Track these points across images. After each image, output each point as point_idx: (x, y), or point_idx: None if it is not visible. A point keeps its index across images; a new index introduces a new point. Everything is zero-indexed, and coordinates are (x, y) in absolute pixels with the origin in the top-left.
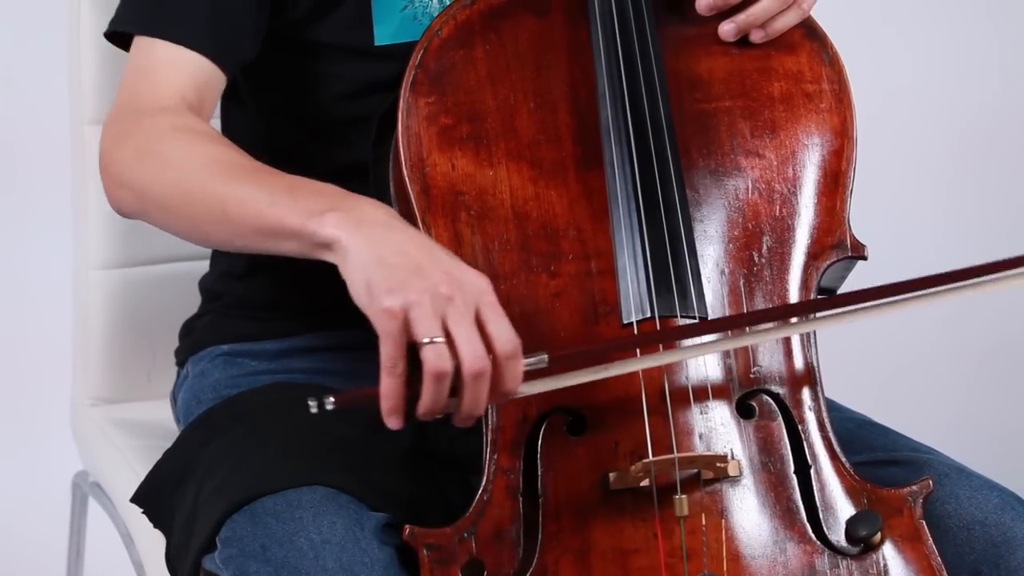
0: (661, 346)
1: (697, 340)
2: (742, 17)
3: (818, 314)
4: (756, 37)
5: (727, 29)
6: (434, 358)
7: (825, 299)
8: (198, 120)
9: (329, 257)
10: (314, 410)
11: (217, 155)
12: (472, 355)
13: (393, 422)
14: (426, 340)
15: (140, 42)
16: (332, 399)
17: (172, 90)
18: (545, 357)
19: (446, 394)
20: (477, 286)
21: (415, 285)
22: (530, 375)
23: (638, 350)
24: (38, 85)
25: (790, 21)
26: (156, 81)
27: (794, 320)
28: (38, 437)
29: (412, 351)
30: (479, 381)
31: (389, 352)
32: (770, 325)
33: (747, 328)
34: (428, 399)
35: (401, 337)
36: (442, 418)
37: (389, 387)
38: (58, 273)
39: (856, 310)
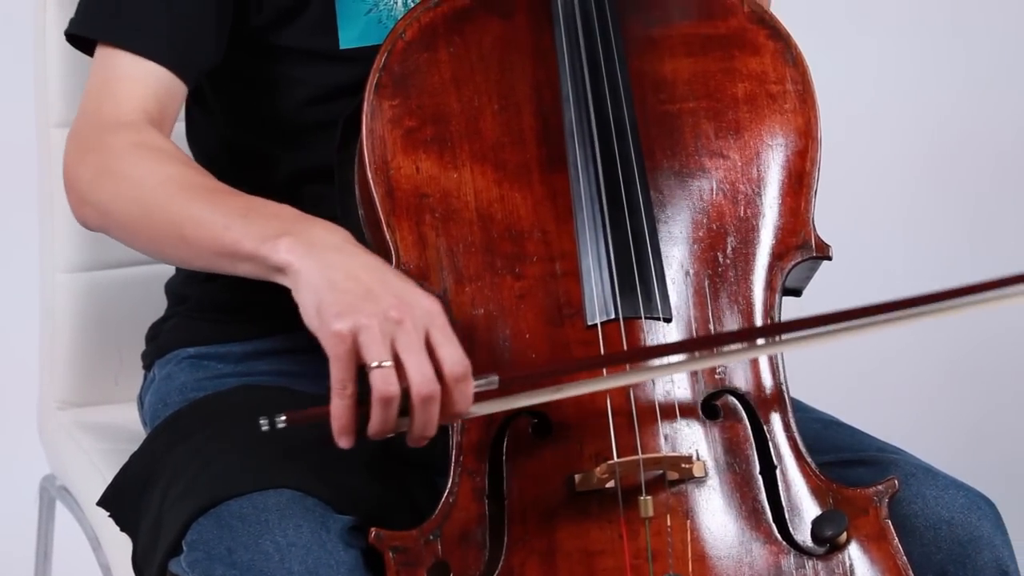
0: (628, 366)
1: (659, 361)
2: None
3: (784, 336)
4: None
5: None
6: (382, 382)
7: (793, 321)
8: (159, 136)
9: (283, 280)
10: (265, 428)
11: (175, 175)
12: (421, 379)
13: (344, 442)
14: (375, 364)
15: (103, 52)
16: (283, 418)
17: (134, 104)
18: (496, 379)
19: (395, 416)
20: (427, 309)
21: (365, 309)
22: (483, 395)
23: (605, 370)
24: (3, 87)
25: None
26: (118, 94)
27: (761, 342)
28: (5, 441)
29: (364, 373)
30: (428, 404)
31: (338, 375)
32: (737, 346)
33: (714, 349)
34: (377, 421)
35: (350, 360)
36: (394, 436)
37: (339, 408)
38: (24, 276)
39: (824, 333)
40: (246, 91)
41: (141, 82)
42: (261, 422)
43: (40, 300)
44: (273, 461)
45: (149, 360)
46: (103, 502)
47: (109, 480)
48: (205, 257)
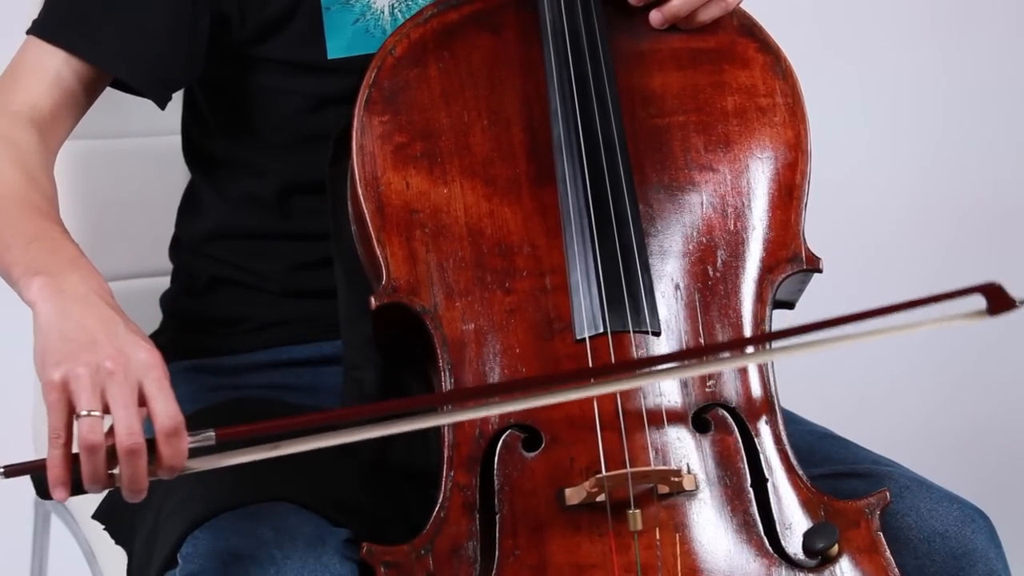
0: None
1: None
2: (666, 7)
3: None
4: (681, 24)
5: (654, 18)
6: (86, 431)
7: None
8: (29, 136)
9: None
10: None
11: (9, 181)
12: (125, 431)
13: (59, 493)
14: (83, 413)
15: (31, 40)
16: (2, 469)
17: (27, 97)
18: (212, 435)
19: (104, 467)
20: (144, 362)
21: (81, 358)
22: (202, 451)
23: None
24: None
25: (714, 13)
26: (19, 83)
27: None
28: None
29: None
30: (133, 457)
31: (52, 423)
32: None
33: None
34: (86, 471)
35: (63, 409)
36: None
37: (52, 458)
38: None
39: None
40: (238, 103)
41: (45, 79)
42: None
43: None
44: (269, 474)
45: None
46: (99, 515)
47: (104, 493)
48: None
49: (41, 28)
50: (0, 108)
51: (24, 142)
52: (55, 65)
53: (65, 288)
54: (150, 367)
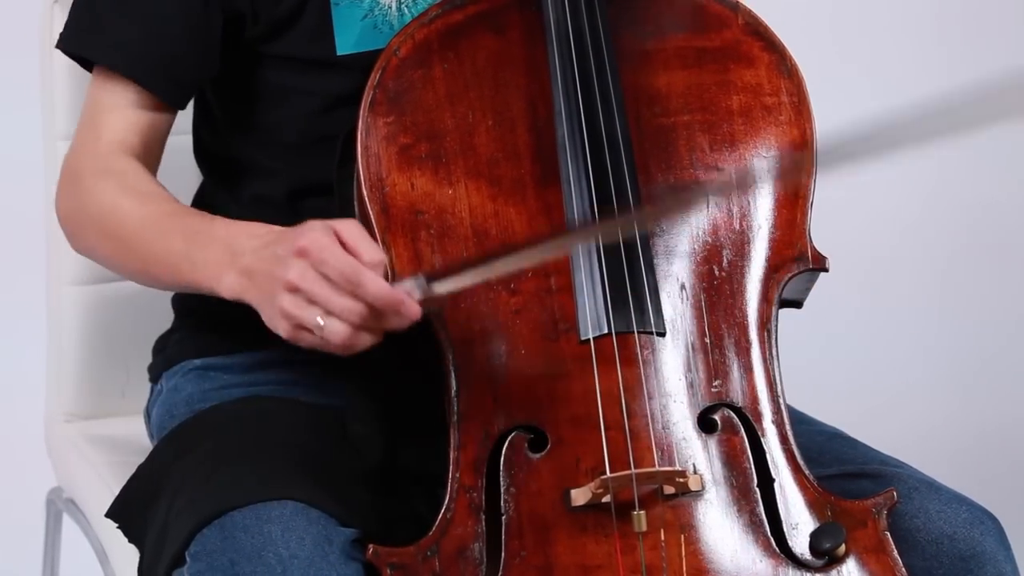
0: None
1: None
2: None
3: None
4: None
5: None
6: (327, 340)
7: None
8: (127, 162)
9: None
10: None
11: (124, 211)
12: (348, 317)
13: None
14: (314, 326)
15: (96, 75)
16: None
17: (112, 136)
18: (422, 278)
19: (372, 324)
20: (313, 244)
21: (276, 304)
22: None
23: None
24: (9, 100)
25: None
26: (99, 126)
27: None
28: (12, 453)
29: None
30: (373, 319)
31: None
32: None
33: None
34: (359, 341)
35: (313, 340)
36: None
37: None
38: (31, 288)
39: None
40: (248, 103)
41: (122, 115)
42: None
43: (47, 312)
44: (277, 473)
45: (156, 372)
46: (111, 514)
47: (116, 493)
48: (174, 287)
49: (63, 40)
50: (92, 153)
51: (124, 167)
52: (126, 98)
53: (243, 266)
54: (320, 245)
